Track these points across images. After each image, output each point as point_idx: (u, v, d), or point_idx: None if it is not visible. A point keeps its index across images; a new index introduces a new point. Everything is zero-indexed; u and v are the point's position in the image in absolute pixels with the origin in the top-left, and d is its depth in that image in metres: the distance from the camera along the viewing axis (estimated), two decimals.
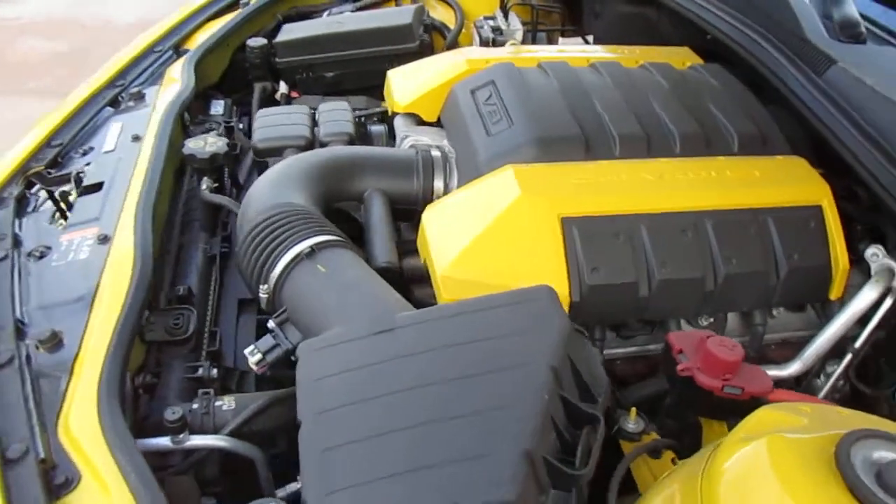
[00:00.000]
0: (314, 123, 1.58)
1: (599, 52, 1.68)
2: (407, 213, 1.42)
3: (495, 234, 1.19)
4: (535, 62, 1.58)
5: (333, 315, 1.04)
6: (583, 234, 1.18)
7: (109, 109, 1.65)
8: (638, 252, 1.19)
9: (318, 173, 1.34)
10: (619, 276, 1.17)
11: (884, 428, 0.83)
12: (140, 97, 1.67)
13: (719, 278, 1.20)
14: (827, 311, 1.31)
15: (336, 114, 1.59)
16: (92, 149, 1.51)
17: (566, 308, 1.14)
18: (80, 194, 1.38)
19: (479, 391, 0.89)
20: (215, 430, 1.04)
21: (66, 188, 1.43)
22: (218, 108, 1.76)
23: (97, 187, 1.38)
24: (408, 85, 1.62)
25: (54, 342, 1.05)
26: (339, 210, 1.38)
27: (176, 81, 1.72)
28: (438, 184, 1.40)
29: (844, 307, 1.20)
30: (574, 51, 1.69)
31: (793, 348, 1.30)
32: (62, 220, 1.35)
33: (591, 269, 1.16)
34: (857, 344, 1.21)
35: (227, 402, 1.07)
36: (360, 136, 1.60)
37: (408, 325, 0.98)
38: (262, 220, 1.18)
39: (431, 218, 1.28)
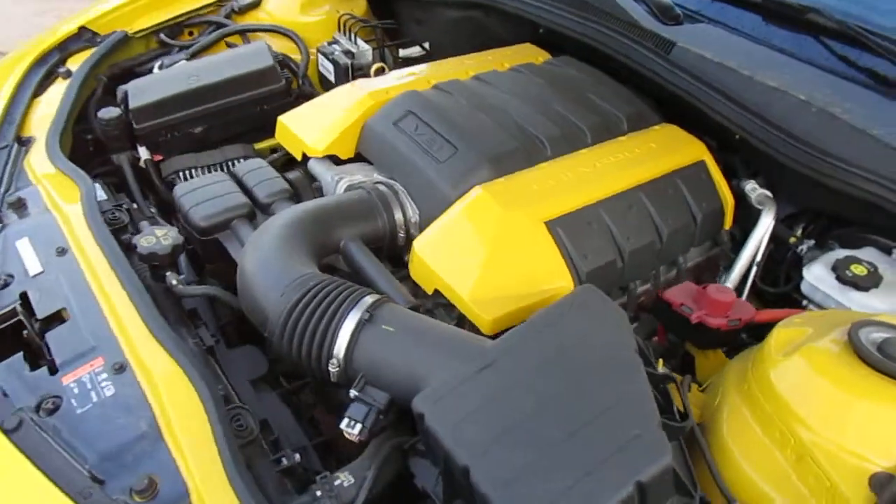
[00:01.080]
0: (242, 188, 1.56)
1: (471, 63, 1.85)
2: (375, 252, 1.49)
3: (498, 251, 1.34)
4: (428, 84, 1.71)
5: (422, 366, 1.12)
6: (566, 231, 1.37)
7: None
8: (608, 234, 1.42)
9: (300, 236, 1.35)
10: (603, 257, 1.39)
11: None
12: (21, 205, 1.49)
13: (664, 237, 1.48)
14: (719, 240, 1.67)
15: (261, 172, 1.58)
16: (11, 276, 1.34)
17: (562, 292, 1.34)
18: (43, 330, 1.24)
19: (598, 389, 1.06)
20: None
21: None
22: (100, 193, 1.62)
23: (59, 317, 1.26)
24: (318, 128, 1.65)
25: (153, 488, 1.01)
26: (327, 265, 1.41)
27: (53, 176, 1.56)
28: (399, 216, 1.49)
29: (752, 233, 1.55)
30: (449, 67, 1.83)
31: (695, 272, 1.65)
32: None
33: (583, 257, 1.37)
34: (758, 258, 1.58)
35: (344, 478, 1.11)
36: None
37: (503, 355, 1.10)
38: (299, 299, 1.19)
39: (426, 249, 1.38)
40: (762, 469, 1.09)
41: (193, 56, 2.02)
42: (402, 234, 1.50)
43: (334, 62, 1.99)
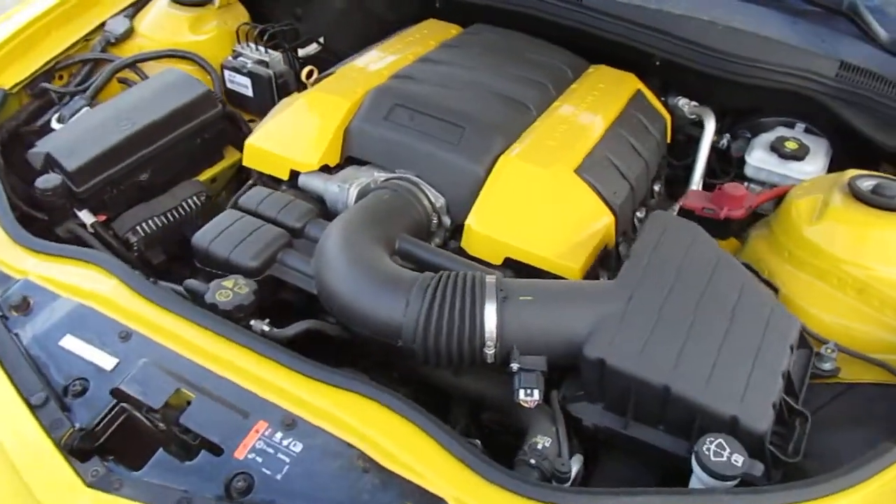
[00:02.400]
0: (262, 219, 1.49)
1: (401, 47, 1.88)
2: None
3: (551, 206, 1.48)
4: (383, 76, 1.73)
5: (572, 320, 1.23)
6: (591, 175, 1.53)
7: (11, 337, 1.26)
8: (616, 169, 1.60)
9: (371, 245, 1.35)
10: (623, 189, 1.58)
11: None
12: (27, 304, 1.30)
13: (647, 160, 1.70)
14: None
15: (276, 199, 1.51)
16: (84, 379, 1.18)
17: (613, 228, 1.52)
18: (168, 418, 1.14)
19: (722, 286, 1.26)
20: None
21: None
22: None
23: (177, 400, 1.15)
24: (301, 142, 1.61)
25: None
26: None
27: (41, 263, 1.36)
28: (427, 204, 1.53)
29: (702, 139, 1.83)
30: (385, 56, 1.85)
31: None
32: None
33: (612, 193, 1.54)
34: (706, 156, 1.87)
35: (541, 441, 1.18)
36: None
37: (635, 287, 1.25)
38: (431, 302, 1.22)
39: (484, 225, 1.46)
40: (833, 310, 1.38)
41: (93, 100, 1.80)
42: (434, 221, 1.55)
43: (252, 75, 1.90)
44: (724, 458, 1.07)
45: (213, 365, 1.19)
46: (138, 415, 1.15)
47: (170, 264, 1.74)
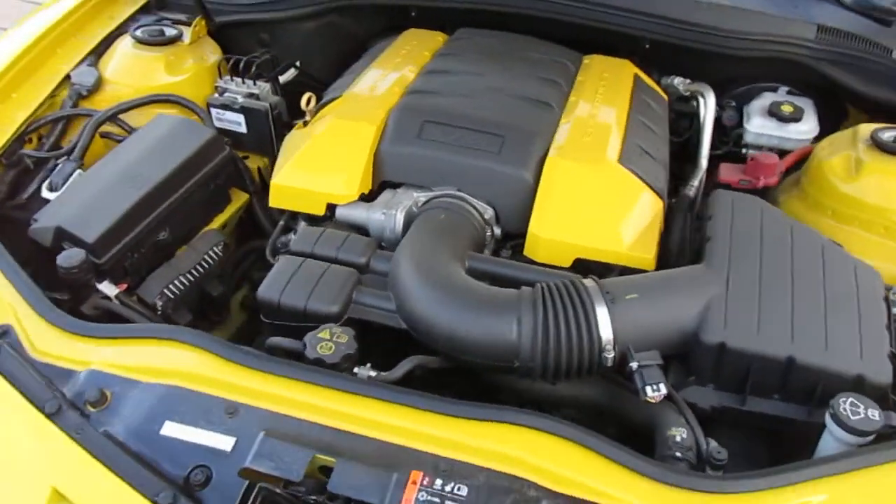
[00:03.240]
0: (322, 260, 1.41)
1: (400, 62, 1.83)
2: None
3: (610, 201, 1.49)
4: (396, 95, 1.68)
5: (679, 309, 1.25)
6: (634, 164, 1.55)
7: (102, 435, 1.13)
8: (649, 155, 1.63)
9: (452, 271, 1.33)
10: (660, 173, 1.61)
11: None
12: (103, 399, 1.17)
13: (666, 141, 1.74)
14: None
15: (331, 237, 1.43)
16: (205, 466, 1.08)
17: (661, 214, 1.55)
18: (314, 489, 1.06)
19: (809, 252, 1.32)
20: None
21: None
22: None
23: (316, 469, 1.08)
24: (335, 174, 1.54)
25: None
26: None
27: (102, 350, 1.23)
28: (479, 218, 1.51)
29: (705, 115, 1.89)
30: (386, 72, 1.79)
31: None
32: None
33: (655, 179, 1.57)
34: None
35: (678, 433, 1.19)
36: None
37: (728, 265, 1.29)
38: (544, 317, 1.21)
39: (549, 230, 1.46)
40: (884, 257, 1.47)
41: (82, 161, 1.64)
42: (488, 234, 1.53)
43: (246, 110, 1.78)
44: (862, 415, 1.12)
45: (341, 423, 1.12)
46: (279, 491, 1.07)
47: (194, 322, 1.63)
